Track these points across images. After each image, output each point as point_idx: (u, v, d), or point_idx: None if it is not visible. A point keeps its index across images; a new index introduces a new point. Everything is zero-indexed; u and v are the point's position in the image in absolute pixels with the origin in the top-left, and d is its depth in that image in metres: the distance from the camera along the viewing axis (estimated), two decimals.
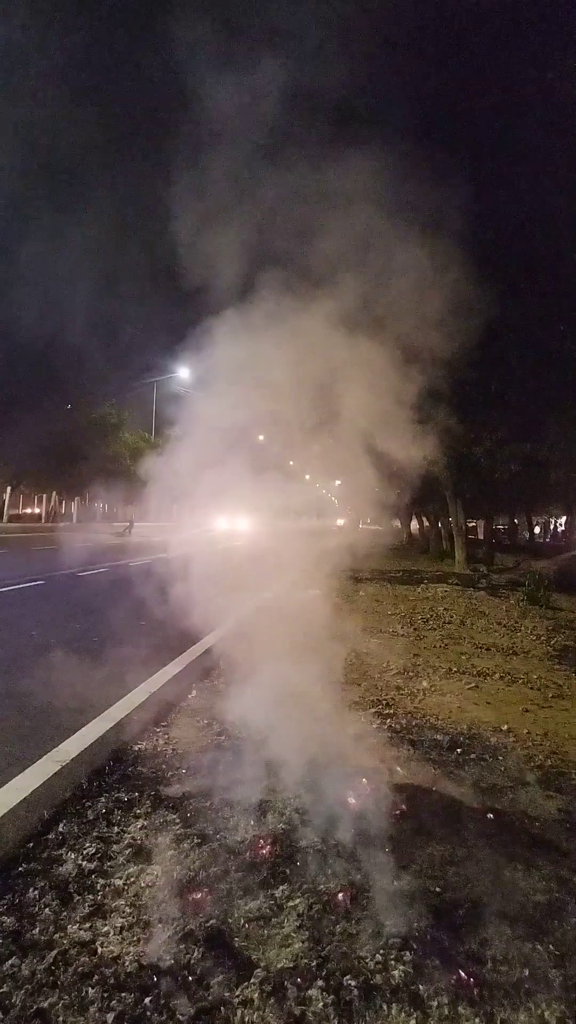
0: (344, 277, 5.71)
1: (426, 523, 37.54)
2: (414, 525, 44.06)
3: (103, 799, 3.45)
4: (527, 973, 2.21)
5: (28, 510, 50.67)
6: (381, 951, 2.27)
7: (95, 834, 3.07)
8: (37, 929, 2.35)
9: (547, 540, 58.84)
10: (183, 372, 8.96)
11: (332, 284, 5.68)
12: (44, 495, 49.18)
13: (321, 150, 5.62)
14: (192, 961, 2.21)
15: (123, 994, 2.05)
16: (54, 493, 48.29)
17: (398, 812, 3.38)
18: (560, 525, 58.70)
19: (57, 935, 2.33)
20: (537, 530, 58.83)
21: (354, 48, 5.79)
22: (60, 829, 3.11)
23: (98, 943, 2.29)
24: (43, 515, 47.56)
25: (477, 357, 14.68)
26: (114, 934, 2.34)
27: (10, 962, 2.17)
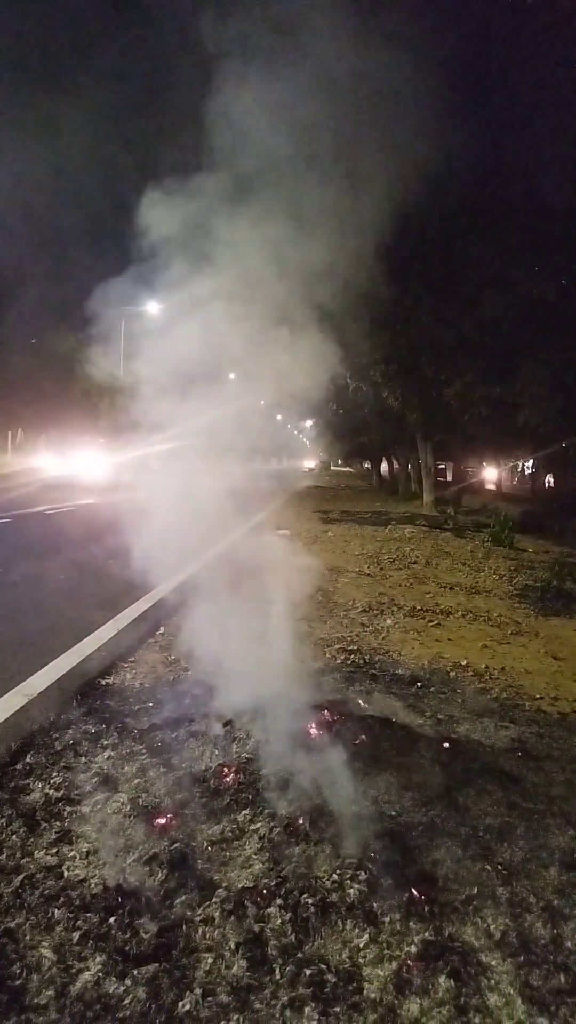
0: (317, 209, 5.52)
1: (396, 465, 37.71)
2: (384, 467, 44.27)
3: (70, 731, 3.50)
4: (476, 891, 2.34)
5: None
6: (337, 871, 2.37)
7: (62, 764, 3.12)
8: (4, 855, 2.41)
9: (514, 483, 59.57)
10: (152, 307, 8.70)
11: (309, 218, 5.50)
12: (9, 432, 48.14)
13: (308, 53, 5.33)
14: (156, 883, 2.29)
15: (88, 914, 2.12)
16: (19, 430, 47.31)
17: (358, 742, 3.49)
18: (528, 468, 59.40)
19: (24, 860, 2.38)
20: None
21: None
22: (27, 760, 3.15)
23: (64, 867, 2.35)
24: (8, 450, 46.64)
25: (451, 298, 14.57)
26: (80, 859, 2.41)
27: None
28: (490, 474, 46.80)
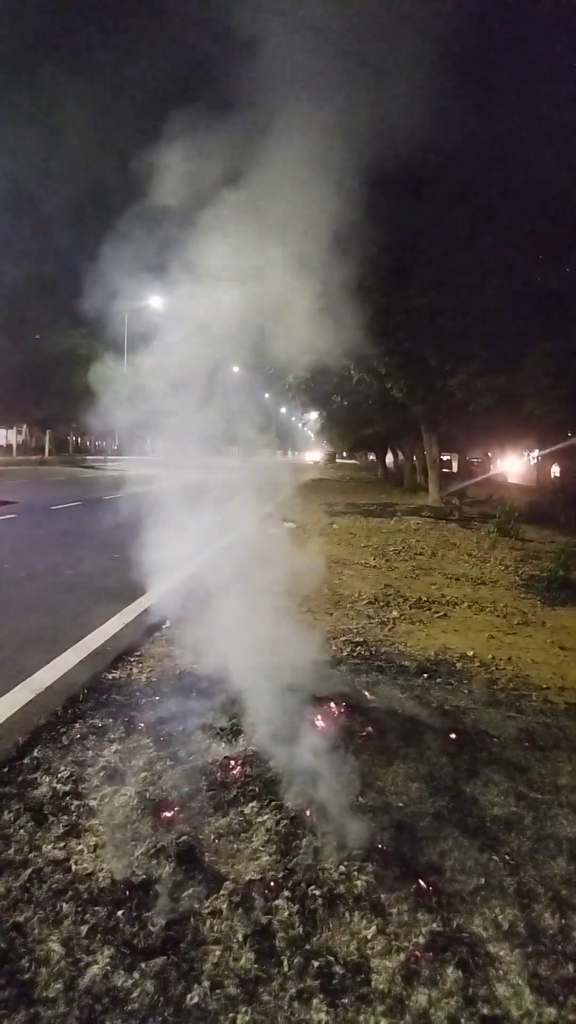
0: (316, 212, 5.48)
1: (401, 457, 37.63)
2: (389, 459, 44.18)
3: (78, 725, 3.51)
4: (483, 881, 2.33)
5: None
6: (345, 863, 2.37)
7: (70, 758, 3.13)
8: (12, 849, 2.42)
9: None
10: (155, 301, 8.69)
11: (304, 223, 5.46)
12: (15, 428, 48.26)
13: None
14: (163, 875, 2.29)
15: (96, 908, 2.12)
16: (24, 426, 47.41)
17: (364, 733, 3.48)
18: (534, 458, 59.20)
19: (32, 854, 2.39)
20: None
21: None
22: (35, 754, 3.16)
23: (72, 861, 2.36)
24: (14, 448, 46.76)
25: (453, 288, 14.47)
26: (88, 852, 2.41)
27: None
28: (511, 465, 46.30)
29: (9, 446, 47.00)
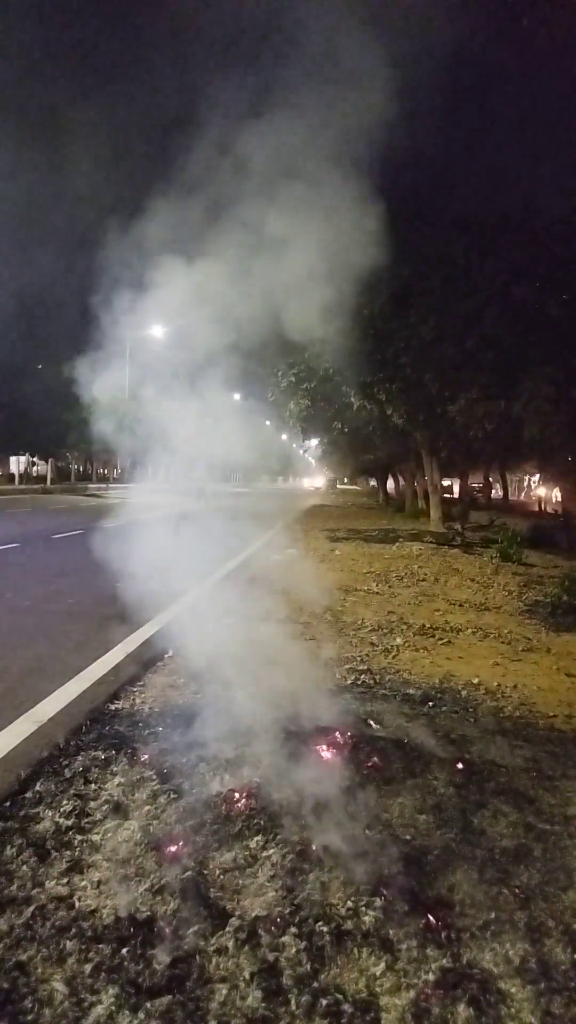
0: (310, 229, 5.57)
1: (402, 482, 37.73)
2: (390, 484, 44.32)
3: (80, 757, 3.48)
4: (493, 915, 2.30)
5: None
6: (352, 898, 2.34)
7: (72, 792, 3.10)
8: (15, 885, 2.39)
9: (521, 498, 59.57)
10: (157, 331, 8.80)
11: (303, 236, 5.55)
12: (17, 457, 48.45)
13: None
14: (168, 912, 2.26)
15: (100, 946, 2.09)
16: (27, 455, 47.60)
17: (370, 764, 3.45)
18: (535, 483, 59.35)
19: (35, 891, 2.36)
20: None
21: None
22: (37, 788, 3.13)
23: (76, 897, 2.33)
24: (16, 477, 46.93)
25: (453, 315, 14.63)
26: (91, 888, 2.38)
27: None
28: (544, 493, 45.88)
29: (11, 475, 47.17)
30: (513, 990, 1.97)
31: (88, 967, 2.00)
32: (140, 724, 4.01)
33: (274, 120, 5.25)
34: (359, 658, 5.60)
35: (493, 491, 49.59)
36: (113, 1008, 1.85)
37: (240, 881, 2.44)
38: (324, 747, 3.64)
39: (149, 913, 2.25)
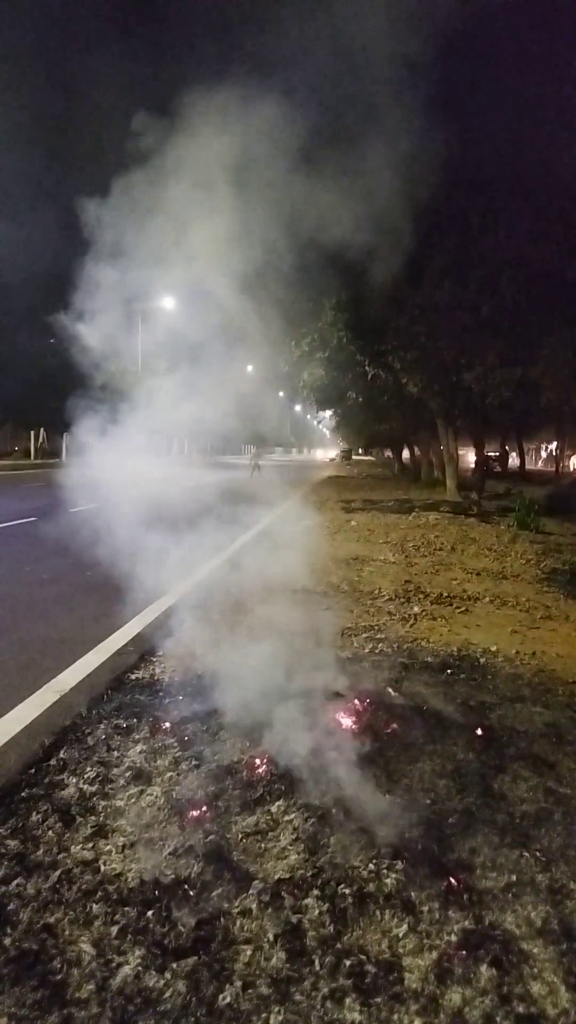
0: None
1: (417, 452, 37.46)
2: (405, 454, 44.01)
3: (102, 726, 3.52)
4: (515, 878, 2.31)
5: (16, 447, 50.02)
6: (374, 861, 2.35)
7: (95, 759, 3.14)
8: (41, 850, 2.42)
9: (538, 466, 59.04)
10: (168, 302, 8.73)
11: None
12: (33, 432, 48.54)
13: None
14: (192, 875, 2.29)
15: (126, 908, 2.12)
16: (41, 429, 47.67)
17: (389, 730, 3.46)
18: (552, 450, 58.73)
19: (61, 855, 2.40)
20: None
21: None
22: (61, 755, 3.17)
23: (101, 861, 2.36)
24: (31, 452, 47.05)
25: (468, 280, 14.36)
26: (116, 852, 2.42)
27: (16, 882, 2.24)
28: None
29: (27, 450, 47.28)
30: (536, 951, 1.98)
31: (115, 929, 2.03)
32: (161, 693, 4.04)
33: (284, 92, 5.15)
34: (377, 627, 5.60)
35: (509, 460, 49.16)
36: (140, 968, 1.88)
37: (262, 845, 2.47)
38: (343, 714, 3.65)
39: (173, 876, 2.28)
